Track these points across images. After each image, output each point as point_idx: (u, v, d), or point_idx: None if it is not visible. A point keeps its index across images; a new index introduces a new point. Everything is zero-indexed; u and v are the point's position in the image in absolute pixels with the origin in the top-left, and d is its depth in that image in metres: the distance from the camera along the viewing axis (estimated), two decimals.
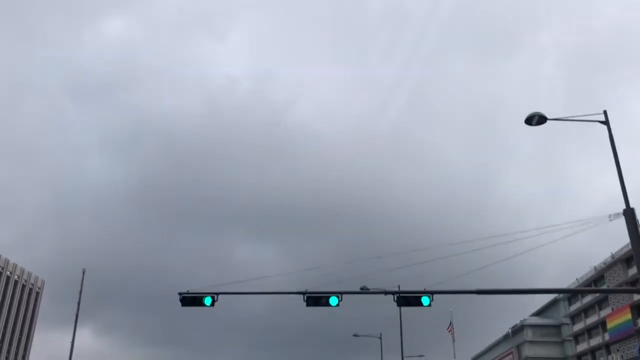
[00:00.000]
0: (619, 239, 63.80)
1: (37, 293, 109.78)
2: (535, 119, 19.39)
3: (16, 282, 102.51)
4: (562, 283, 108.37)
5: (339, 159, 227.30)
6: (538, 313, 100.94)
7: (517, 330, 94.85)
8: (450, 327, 66.95)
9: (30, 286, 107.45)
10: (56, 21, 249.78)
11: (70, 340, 41.04)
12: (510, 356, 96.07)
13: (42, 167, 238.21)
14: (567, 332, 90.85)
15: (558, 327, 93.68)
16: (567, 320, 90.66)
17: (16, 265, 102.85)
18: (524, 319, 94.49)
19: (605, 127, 19.28)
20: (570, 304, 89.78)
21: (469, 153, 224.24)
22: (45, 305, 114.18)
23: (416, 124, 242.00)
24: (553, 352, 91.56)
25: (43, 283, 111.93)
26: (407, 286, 22.12)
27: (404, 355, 43.68)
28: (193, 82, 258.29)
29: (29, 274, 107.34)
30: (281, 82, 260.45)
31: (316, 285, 20.83)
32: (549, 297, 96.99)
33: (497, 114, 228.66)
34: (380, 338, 51.17)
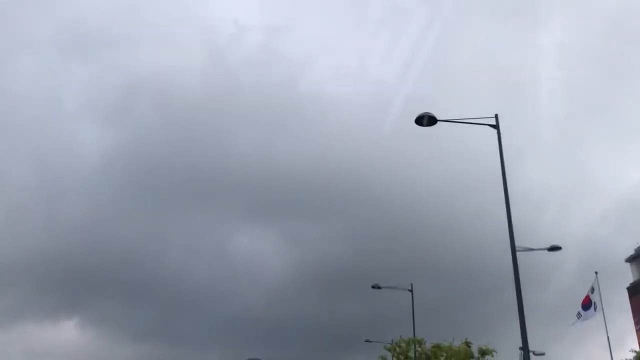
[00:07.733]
0: None
1: None
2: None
3: None
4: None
5: (353, 130, 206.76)
6: None
7: None
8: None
9: None
10: None
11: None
12: None
13: (25, 137, 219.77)
14: None
15: None
16: None
17: None
18: None
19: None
20: None
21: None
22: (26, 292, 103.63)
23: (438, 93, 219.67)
24: None
25: None
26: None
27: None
28: (195, 32, 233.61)
29: None
30: (297, 37, 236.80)
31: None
32: None
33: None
34: (412, 290, 38.15)
